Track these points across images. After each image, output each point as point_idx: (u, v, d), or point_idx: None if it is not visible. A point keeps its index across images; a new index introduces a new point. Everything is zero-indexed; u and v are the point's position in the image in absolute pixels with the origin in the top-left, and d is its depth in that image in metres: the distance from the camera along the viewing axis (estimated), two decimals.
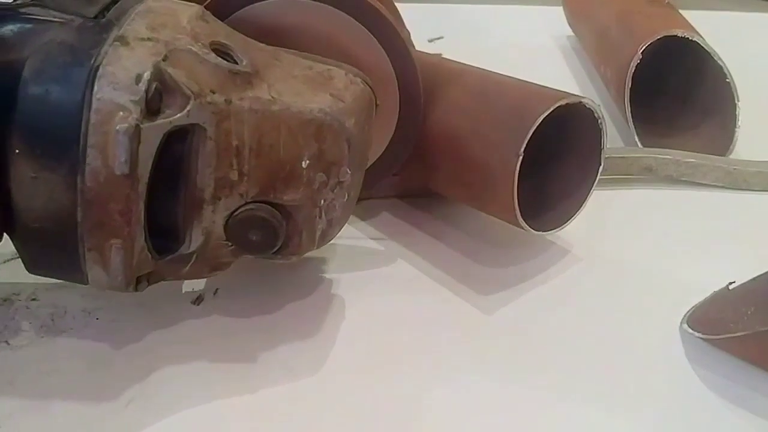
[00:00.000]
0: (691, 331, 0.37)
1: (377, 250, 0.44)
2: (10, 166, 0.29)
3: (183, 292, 0.39)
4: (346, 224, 0.44)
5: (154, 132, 0.29)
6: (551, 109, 0.39)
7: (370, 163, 0.40)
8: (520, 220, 0.40)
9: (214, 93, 0.31)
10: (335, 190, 0.34)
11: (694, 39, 0.54)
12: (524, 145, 0.38)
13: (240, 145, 0.32)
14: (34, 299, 0.38)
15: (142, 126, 0.29)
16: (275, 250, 0.34)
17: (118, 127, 0.28)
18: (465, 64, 0.46)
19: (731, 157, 0.53)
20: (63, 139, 0.29)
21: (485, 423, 0.34)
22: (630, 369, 0.37)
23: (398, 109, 0.41)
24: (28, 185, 0.29)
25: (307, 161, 0.32)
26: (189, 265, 0.34)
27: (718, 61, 0.53)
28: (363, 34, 0.39)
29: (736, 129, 0.53)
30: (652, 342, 0.38)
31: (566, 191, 0.43)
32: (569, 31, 0.75)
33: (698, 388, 0.36)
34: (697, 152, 0.52)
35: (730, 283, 0.40)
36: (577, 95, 0.40)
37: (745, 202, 0.51)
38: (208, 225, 0.33)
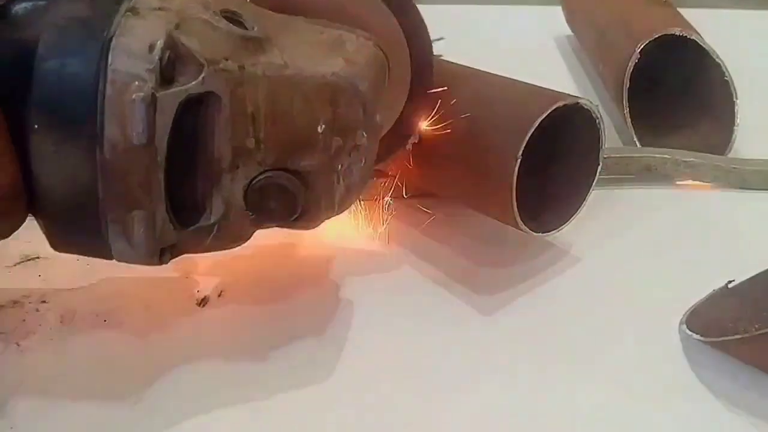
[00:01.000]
0: (689, 332, 0.38)
1: (377, 251, 0.45)
2: (31, 142, 0.30)
3: (188, 294, 0.40)
4: (346, 226, 0.45)
5: (170, 100, 0.29)
6: (549, 111, 0.39)
7: (383, 132, 0.39)
8: (520, 222, 0.40)
9: (227, 60, 0.31)
10: (352, 155, 0.33)
11: (692, 37, 0.54)
12: (522, 148, 0.39)
13: (255, 112, 0.32)
14: (43, 302, 0.39)
15: (157, 95, 0.29)
16: (295, 217, 0.34)
17: (134, 96, 0.29)
18: (463, 66, 0.46)
19: (730, 155, 0.54)
20: (80, 112, 0.29)
21: (485, 424, 0.34)
22: (630, 369, 0.37)
23: (410, 77, 0.41)
24: (49, 161, 0.30)
25: (323, 126, 0.32)
26: (211, 236, 0.34)
27: (717, 60, 0.53)
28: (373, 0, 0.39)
29: (735, 127, 0.53)
30: (651, 342, 0.38)
31: (565, 192, 0.44)
32: (569, 31, 0.75)
33: (698, 389, 0.36)
34: (696, 151, 0.53)
35: (729, 282, 0.40)
36: (575, 96, 0.41)
37: (744, 200, 0.51)
38: (227, 195, 0.33)
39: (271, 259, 0.42)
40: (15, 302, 0.39)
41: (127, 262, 0.33)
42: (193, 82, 0.30)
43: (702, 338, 0.37)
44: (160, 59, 0.29)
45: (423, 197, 0.48)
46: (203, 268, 0.41)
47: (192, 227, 0.33)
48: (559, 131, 0.42)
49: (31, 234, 0.42)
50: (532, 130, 0.39)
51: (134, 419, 0.33)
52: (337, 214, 0.35)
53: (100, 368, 0.36)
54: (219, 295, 0.40)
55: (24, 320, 0.38)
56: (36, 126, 0.29)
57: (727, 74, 0.53)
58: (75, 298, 0.39)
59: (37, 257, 0.42)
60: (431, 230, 0.46)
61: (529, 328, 0.39)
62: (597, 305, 0.41)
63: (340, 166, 0.33)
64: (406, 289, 0.42)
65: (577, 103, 0.41)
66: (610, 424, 0.34)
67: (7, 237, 0.32)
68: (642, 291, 0.42)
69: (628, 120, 0.54)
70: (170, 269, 0.40)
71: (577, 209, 0.43)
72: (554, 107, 0.39)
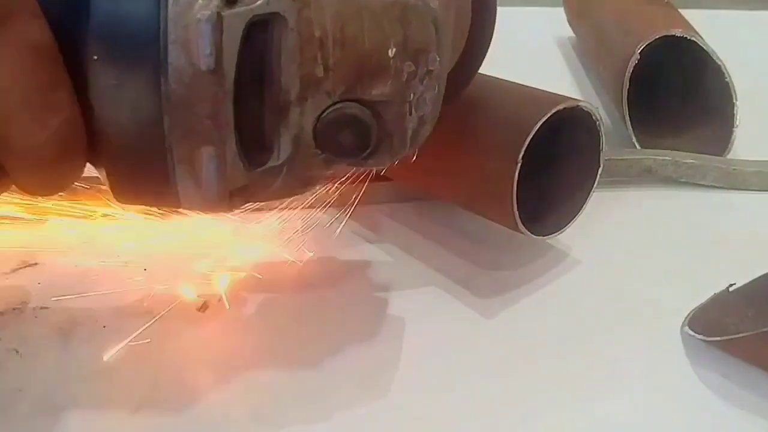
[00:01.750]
0: (692, 333, 0.38)
1: (376, 254, 0.44)
2: (90, 75, 0.28)
3: (188, 299, 0.40)
4: (344, 229, 0.45)
5: (236, 21, 0.28)
6: (549, 115, 0.39)
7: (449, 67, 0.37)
8: (520, 225, 0.40)
9: None
10: (425, 82, 0.31)
11: (693, 38, 0.54)
12: (523, 151, 0.39)
13: (323, 36, 0.29)
14: (43, 308, 0.39)
15: (223, 14, 0.27)
16: (367, 153, 0.32)
17: (199, 15, 0.27)
18: None
19: (729, 157, 0.54)
20: (142, 39, 0.27)
21: (485, 427, 0.34)
22: (631, 371, 0.37)
23: (470, 17, 0.38)
24: (110, 95, 0.28)
25: (394, 49, 0.30)
26: (280, 178, 0.32)
27: (717, 61, 0.53)
28: None
29: (734, 129, 0.53)
30: (653, 344, 0.38)
31: (565, 194, 0.44)
32: (570, 32, 0.75)
33: (700, 390, 0.36)
34: (695, 152, 0.53)
35: (731, 285, 0.40)
36: (575, 99, 0.41)
37: (745, 202, 0.51)
38: (296, 131, 0.31)
39: (270, 265, 0.42)
40: (14, 309, 0.39)
41: (195, 209, 0.31)
42: (259, 2, 0.28)
43: (705, 338, 0.37)
44: None
45: (422, 200, 0.48)
46: (203, 275, 0.41)
47: (261, 168, 0.31)
48: (559, 134, 0.42)
49: (30, 240, 0.42)
50: (533, 133, 0.39)
51: (135, 425, 0.33)
52: (410, 151, 0.33)
53: (100, 374, 0.36)
54: (219, 301, 0.40)
55: (23, 327, 0.38)
56: (95, 57, 0.27)
57: (727, 76, 0.53)
58: (74, 305, 0.39)
59: (36, 263, 0.42)
60: (430, 233, 0.46)
61: (530, 330, 0.39)
62: (598, 307, 0.41)
63: (412, 95, 0.31)
64: (405, 293, 0.42)
65: (577, 105, 0.41)
66: (613, 426, 0.34)
67: (66, 190, 0.30)
68: (643, 293, 0.42)
69: (628, 121, 0.54)
70: (171, 277, 0.41)
71: (578, 212, 0.43)
72: (554, 110, 0.39)
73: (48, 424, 0.33)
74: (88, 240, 0.43)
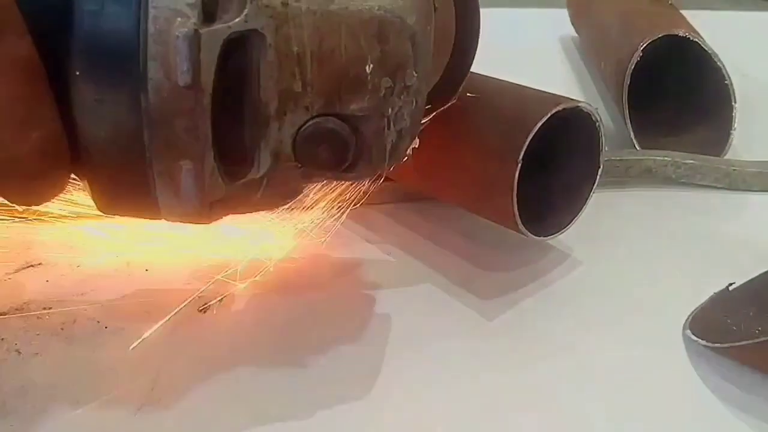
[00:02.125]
0: (694, 337, 0.37)
1: (376, 255, 0.44)
2: (72, 90, 0.28)
3: (189, 300, 0.40)
4: (344, 230, 0.45)
5: (214, 38, 0.28)
6: (549, 115, 0.39)
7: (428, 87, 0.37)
8: (521, 226, 0.40)
9: None
10: (402, 96, 0.32)
11: (694, 39, 0.54)
12: (523, 152, 0.39)
13: (301, 52, 0.30)
14: (45, 308, 0.39)
15: (201, 31, 0.28)
16: (345, 166, 0.32)
17: (177, 32, 0.27)
18: None
19: (728, 157, 0.54)
20: (123, 55, 0.28)
21: (485, 428, 0.34)
22: (632, 373, 0.37)
23: (455, 29, 0.39)
24: (92, 110, 0.28)
25: (371, 65, 0.31)
26: (260, 191, 0.32)
27: (718, 62, 0.53)
28: None
29: (732, 131, 0.53)
30: (653, 345, 0.38)
31: (566, 195, 0.44)
32: (574, 33, 0.75)
33: (700, 391, 0.36)
34: (694, 152, 0.53)
35: (730, 285, 0.40)
36: (575, 99, 0.41)
37: (745, 202, 0.51)
38: (275, 145, 0.31)
39: (270, 266, 0.42)
40: (17, 309, 0.39)
41: (176, 220, 0.31)
42: (237, 19, 0.29)
43: (708, 344, 0.37)
44: None
45: (422, 201, 0.48)
46: (204, 276, 0.41)
47: (240, 181, 0.31)
48: (559, 134, 0.42)
49: (32, 240, 0.42)
50: (533, 134, 0.39)
51: (137, 426, 0.33)
52: (389, 164, 0.33)
53: (101, 375, 0.36)
54: (220, 301, 0.40)
55: (26, 327, 0.38)
56: (77, 72, 0.28)
57: (727, 78, 0.53)
58: (76, 305, 0.39)
59: (40, 264, 0.42)
60: (428, 234, 0.46)
61: (530, 331, 0.39)
62: (599, 308, 0.41)
63: (390, 110, 0.32)
64: (405, 294, 0.42)
65: (577, 106, 0.41)
66: (613, 428, 0.34)
67: (51, 200, 0.31)
68: (643, 294, 0.42)
69: (627, 119, 0.54)
70: (172, 278, 0.41)
71: (578, 212, 0.43)
72: (554, 111, 0.39)
73: (50, 423, 0.33)
74: (89, 240, 0.43)
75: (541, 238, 0.42)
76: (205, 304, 0.40)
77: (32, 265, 0.42)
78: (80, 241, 0.43)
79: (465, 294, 0.42)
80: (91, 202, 0.32)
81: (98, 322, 0.39)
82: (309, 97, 0.31)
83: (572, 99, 0.41)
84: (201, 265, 0.42)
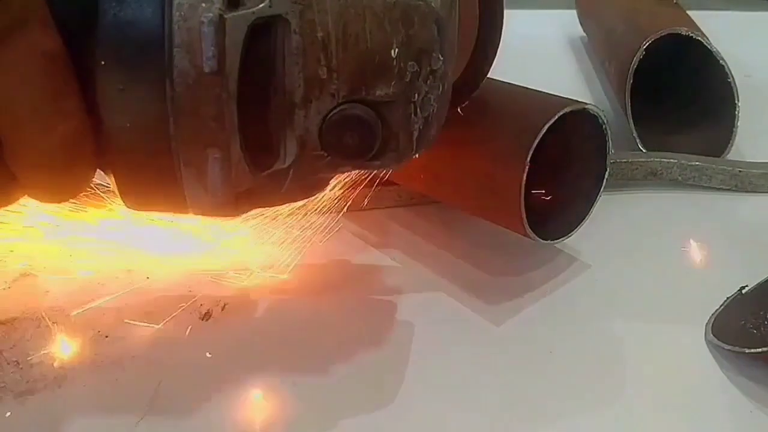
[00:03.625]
0: (727, 346, 0.37)
1: (382, 260, 0.44)
2: (97, 81, 0.28)
3: (191, 308, 0.39)
4: (348, 233, 0.44)
5: (239, 23, 0.28)
6: (555, 118, 0.39)
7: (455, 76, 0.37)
8: (528, 230, 0.40)
9: None
10: (428, 82, 0.31)
11: (698, 38, 0.54)
12: (530, 155, 0.38)
13: (325, 38, 0.30)
14: (43, 318, 0.38)
15: (226, 17, 0.27)
16: (372, 154, 0.32)
17: (202, 18, 0.27)
18: None
19: (729, 157, 0.53)
20: (148, 43, 0.28)
21: None
22: (642, 375, 0.36)
23: (478, 20, 0.38)
24: (117, 100, 0.28)
25: (396, 49, 0.30)
26: (287, 182, 0.32)
27: (721, 61, 0.53)
28: None
29: (735, 129, 0.53)
30: (663, 347, 0.38)
31: (573, 198, 0.43)
32: (582, 32, 0.75)
33: (710, 392, 0.35)
34: (697, 151, 0.52)
35: (743, 288, 0.40)
36: (582, 102, 0.40)
37: (752, 204, 0.51)
38: (301, 133, 0.31)
39: (273, 271, 0.42)
40: (14, 319, 0.38)
41: (203, 212, 0.31)
42: (261, 5, 0.28)
43: (739, 349, 0.36)
44: None
45: (427, 204, 0.48)
46: (206, 283, 0.41)
47: (267, 171, 0.31)
48: (566, 137, 0.42)
49: (30, 250, 0.42)
50: (540, 137, 0.38)
51: None
52: (416, 152, 0.33)
53: (101, 384, 0.35)
54: (222, 309, 0.39)
55: (23, 337, 0.37)
56: (102, 62, 0.28)
57: (730, 76, 0.53)
58: (76, 314, 0.39)
59: (37, 274, 0.41)
60: (435, 238, 0.45)
61: (538, 336, 0.39)
62: (606, 313, 0.41)
63: (416, 95, 0.31)
64: (411, 299, 0.41)
65: (584, 109, 0.40)
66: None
67: (76, 196, 0.30)
68: (653, 298, 0.41)
69: (630, 118, 0.54)
70: (174, 285, 0.40)
71: (585, 215, 0.43)
72: (561, 114, 0.39)
73: None
74: (89, 248, 0.42)
75: (549, 242, 0.42)
76: (208, 311, 0.39)
77: (31, 274, 0.41)
78: (80, 249, 0.42)
79: (471, 299, 0.41)
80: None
81: (99, 332, 0.38)
82: (334, 84, 0.30)
83: (579, 101, 0.40)
84: (203, 273, 0.41)
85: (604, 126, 0.41)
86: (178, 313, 0.39)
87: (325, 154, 0.31)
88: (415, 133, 0.32)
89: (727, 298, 0.39)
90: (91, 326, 0.38)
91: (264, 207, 0.33)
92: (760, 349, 0.35)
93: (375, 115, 0.31)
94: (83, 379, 0.35)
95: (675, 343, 0.38)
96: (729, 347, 0.36)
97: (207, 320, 0.39)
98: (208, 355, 0.37)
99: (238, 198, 0.31)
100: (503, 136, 0.40)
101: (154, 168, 0.29)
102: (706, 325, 0.39)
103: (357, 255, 0.44)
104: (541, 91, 0.42)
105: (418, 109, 0.32)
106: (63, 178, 0.29)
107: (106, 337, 0.38)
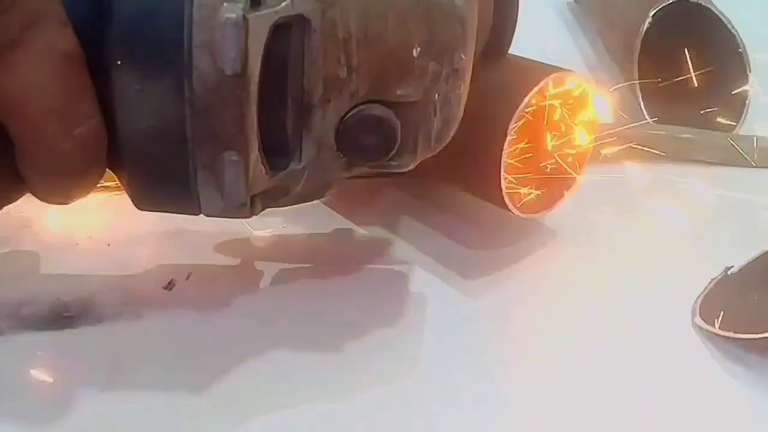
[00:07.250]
0: (706, 326, 0.36)
1: (362, 234, 0.43)
2: (113, 80, 0.27)
3: (154, 277, 0.38)
4: (323, 205, 0.43)
5: (262, 23, 0.27)
6: (539, 86, 0.37)
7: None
8: (508, 202, 0.38)
9: None
10: (449, 81, 0.31)
11: (706, 4, 0.52)
12: (511, 124, 0.37)
13: (347, 37, 0.29)
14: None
15: (248, 16, 0.27)
16: (391, 155, 0.31)
17: (226, 17, 0.26)
18: None
19: (743, 128, 0.52)
20: (167, 43, 0.27)
21: (470, 413, 0.33)
22: (625, 356, 0.36)
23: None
24: (133, 100, 0.28)
25: (419, 49, 0.30)
26: (301, 182, 0.32)
27: (732, 30, 0.51)
28: None
29: (748, 101, 0.51)
30: (655, 330, 0.37)
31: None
32: None
33: (696, 375, 0.35)
34: (706, 124, 0.51)
35: (728, 269, 0.39)
36: (567, 69, 0.39)
37: (743, 178, 0.49)
38: (319, 134, 0.30)
39: (241, 241, 0.41)
40: None
41: (216, 215, 0.30)
42: (283, 4, 0.28)
43: (732, 335, 0.35)
44: None
45: (410, 178, 0.46)
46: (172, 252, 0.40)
47: (282, 172, 0.30)
48: None
49: None
50: (523, 105, 0.37)
51: (98, 406, 0.32)
52: (433, 151, 0.33)
53: (62, 357, 0.34)
54: (186, 278, 0.38)
55: None
56: (119, 62, 0.27)
57: (741, 45, 0.51)
58: (34, 282, 0.38)
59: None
60: (418, 213, 0.44)
61: (518, 311, 0.38)
62: (589, 289, 0.40)
63: (436, 95, 0.31)
64: (392, 273, 0.40)
65: (569, 77, 0.39)
66: (604, 417, 0.33)
67: (83, 197, 0.30)
68: (637, 273, 0.41)
69: (637, 89, 0.52)
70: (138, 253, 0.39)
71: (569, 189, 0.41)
72: (545, 82, 0.37)
73: (12, 406, 0.32)
74: (49, 213, 0.41)
75: (531, 215, 0.40)
76: (171, 281, 0.38)
77: None
78: (38, 214, 0.41)
79: (451, 273, 0.40)
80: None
81: (58, 299, 0.37)
82: (354, 84, 0.30)
83: (565, 69, 0.39)
84: (168, 241, 0.40)
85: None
86: (141, 282, 0.38)
87: (341, 155, 0.31)
88: (434, 133, 0.32)
89: (712, 279, 0.39)
90: (49, 294, 0.37)
91: (275, 207, 0.33)
92: (750, 336, 0.34)
93: (394, 115, 0.31)
94: (40, 342, 0.35)
95: (667, 325, 0.37)
96: (717, 331, 0.36)
97: (170, 289, 0.38)
98: (169, 325, 0.36)
99: (252, 200, 0.30)
100: (484, 103, 0.38)
101: (168, 170, 0.29)
102: (692, 307, 0.38)
103: (330, 227, 0.43)
104: (525, 58, 0.41)
105: (438, 109, 0.32)
106: (76, 180, 0.29)
107: (66, 307, 0.36)
